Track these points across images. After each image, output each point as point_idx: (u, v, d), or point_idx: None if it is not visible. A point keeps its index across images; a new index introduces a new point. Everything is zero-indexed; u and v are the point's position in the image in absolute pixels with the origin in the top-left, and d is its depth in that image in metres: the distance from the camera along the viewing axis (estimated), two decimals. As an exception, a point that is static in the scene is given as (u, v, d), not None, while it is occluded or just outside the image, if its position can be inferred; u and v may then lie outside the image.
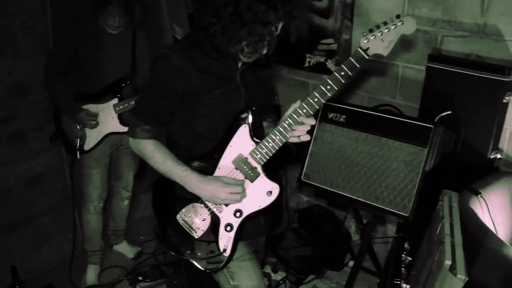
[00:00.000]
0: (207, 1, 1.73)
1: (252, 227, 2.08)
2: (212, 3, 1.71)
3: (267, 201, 1.99)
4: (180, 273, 3.53)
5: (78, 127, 3.13)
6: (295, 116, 1.87)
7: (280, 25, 1.81)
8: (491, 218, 2.35)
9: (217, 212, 2.01)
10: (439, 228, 2.09)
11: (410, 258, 2.63)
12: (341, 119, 2.71)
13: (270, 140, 1.92)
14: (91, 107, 3.13)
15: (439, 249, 1.92)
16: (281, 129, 1.90)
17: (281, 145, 1.93)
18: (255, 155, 1.96)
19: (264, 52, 1.82)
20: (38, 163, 3.54)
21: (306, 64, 3.65)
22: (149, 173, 4.39)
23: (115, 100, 3.15)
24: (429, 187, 2.44)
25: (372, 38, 1.77)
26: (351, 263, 3.50)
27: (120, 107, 3.15)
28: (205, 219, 2.02)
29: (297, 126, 1.88)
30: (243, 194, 1.98)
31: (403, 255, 2.64)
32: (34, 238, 3.60)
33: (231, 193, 1.94)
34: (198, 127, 2.00)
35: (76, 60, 3.04)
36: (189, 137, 2.03)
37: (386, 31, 1.77)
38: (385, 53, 1.81)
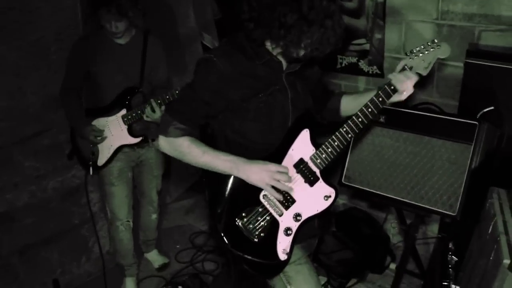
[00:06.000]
0: (263, 16, 1.72)
1: (307, 230, 2.05)
2: (270, 16, 1.70)
3: (324, 205, 2.01)
4: (219, 282, 3.52)
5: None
6: (354, 118, 1.93)
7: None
8: (543, 214, 2.29)
9: (276, 216, 1.98)
10: (491, 227, 2.04)
11: (457, 259, 2.57)
12: (381, 119, 2.67)
13: (329, 146, 1.96)
14: (101, 121, 3.09)
15: (495, 248, 1.87)
16: (338, 135, 1.95)
17: (339, 150, 1.96)
18: (315, 160, 1.98)
19: (334, 43, 1.79)
20: (74, 175, 3.56)
21: (338, 66, 3.61)
22: (175, 181, 4.44)
23: (123, 111, 3.07)
24: (475, 185, 2.39)
25: (416, 57, 1.90)
26: (392, 266, 3.44)
27: (129, 117, 3.06)
28: (264, 223, 1.98)
29: (404, 79, 1.87)
30: (296, 191, 1.97)
31: (448, 255, 2.59)
32: (73, 250, 3.64)
33: (278, 171, 1.90)
34: (248, 134, 1.98)
35: (88, 75, 3.02)
36: (241, 143, 2.00)
37: (426, 52, 1.89)
38: (424, 73, 1.91)
